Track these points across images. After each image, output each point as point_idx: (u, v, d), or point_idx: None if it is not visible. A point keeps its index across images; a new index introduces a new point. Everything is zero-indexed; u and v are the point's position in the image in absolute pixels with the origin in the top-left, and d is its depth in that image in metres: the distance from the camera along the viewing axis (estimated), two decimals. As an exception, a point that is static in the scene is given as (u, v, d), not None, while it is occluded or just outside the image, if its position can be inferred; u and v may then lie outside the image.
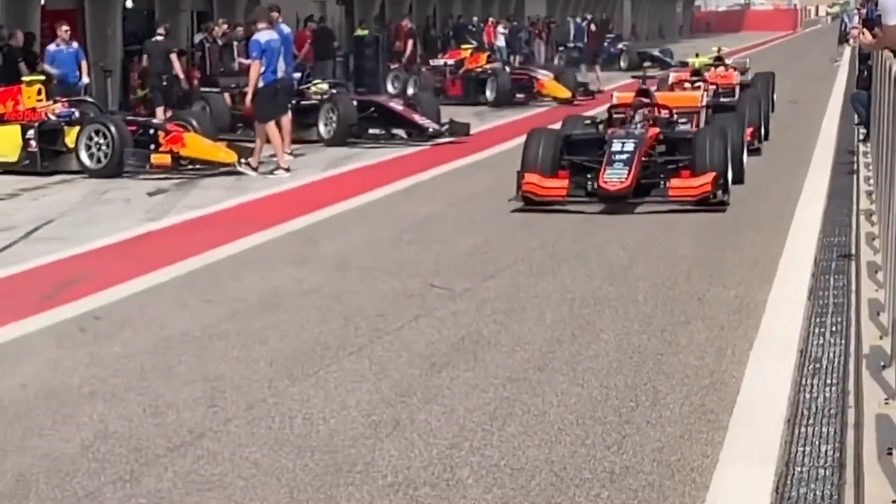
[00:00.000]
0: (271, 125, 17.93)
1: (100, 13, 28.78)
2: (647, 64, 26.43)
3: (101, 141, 17.87)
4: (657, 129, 14.75)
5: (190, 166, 18.00)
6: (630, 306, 9.24)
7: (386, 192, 15.98)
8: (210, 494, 5.62)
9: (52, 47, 22.16)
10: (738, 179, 14.95)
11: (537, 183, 13.81)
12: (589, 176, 13.95)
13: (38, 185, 17.31)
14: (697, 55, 27.07)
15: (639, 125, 14.82)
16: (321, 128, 21.84)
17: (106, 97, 25.65)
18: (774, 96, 24.64)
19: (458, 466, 5.93)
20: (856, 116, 20.14)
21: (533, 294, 9.70)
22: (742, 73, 24.08)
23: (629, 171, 13.62)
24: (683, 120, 15.90)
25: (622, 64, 44.43)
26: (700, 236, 12.15)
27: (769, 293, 9.52)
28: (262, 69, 17.79)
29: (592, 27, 45.27)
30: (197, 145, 18.06)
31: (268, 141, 18.02)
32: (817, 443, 6.16)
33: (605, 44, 45.83)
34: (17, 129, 18.34)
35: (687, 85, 20.02)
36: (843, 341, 8.05)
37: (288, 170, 17.88)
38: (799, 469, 5.80)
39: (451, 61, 32.06)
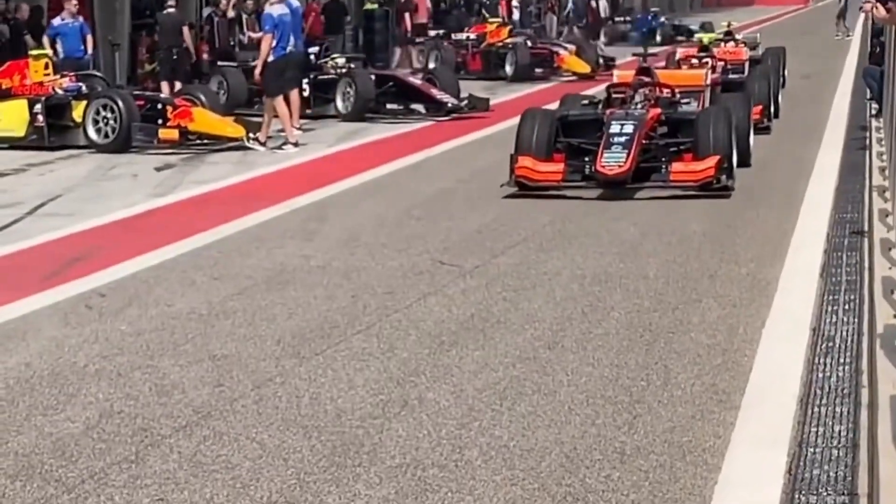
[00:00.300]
0: (279, 100, 17.83)
1: (108, -14, 28.61)
2: (680, 38, 26.12)
3: (109, 116, 17.79)
4: (658, 110, 14.02)
5: (198, 141, 17.94)
6: (641, 283, 9.17)
7: (395, 167, 15.90)
8: (216, 476, 5.55)
9: (56, 21, 22.03)
10: (744, 162, 14.29)
11: (531, 167, 13.20)
12: (586, 159, 13.27)
13: (45, 160, 17.24)
14: (703, 27, 26.76)
15: (639, 105, 14.12)
16: (338, 103, 21.68)
17: (114, 71, 25.53)
18: (785, 72, 24.49)
19: (466, 447, 5.86)
20: (868, 91, 20.05)
21: (543, 271, 9.63)
22: (752, 49, 23.93)
23: (628, 155, 12.91)
24: (687, 100, 15.13)
25: (658, 38, 43.53)
26: (711, 213, 12.06)
27: (781, 270, 9.44)
28: (273, 43, 17.70)
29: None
30: (205, 120, 18.00)
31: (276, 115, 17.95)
32: (830, 423, 6.09)
33: (649, 17, 45.37)
34: (24, 103, 18.26)
35: (694, 61, 19.63)
36: (857, 320, 7.98)
37: (296, 145, 17.80)
38: (812, 450, 5.73)
39: (473, 35, 31.78)
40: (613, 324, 8.07)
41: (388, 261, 10.07)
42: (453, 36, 32.58)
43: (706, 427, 6.09)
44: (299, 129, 18.70)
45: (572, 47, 31.16)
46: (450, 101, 21.68)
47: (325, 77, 21.95)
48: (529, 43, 31.40)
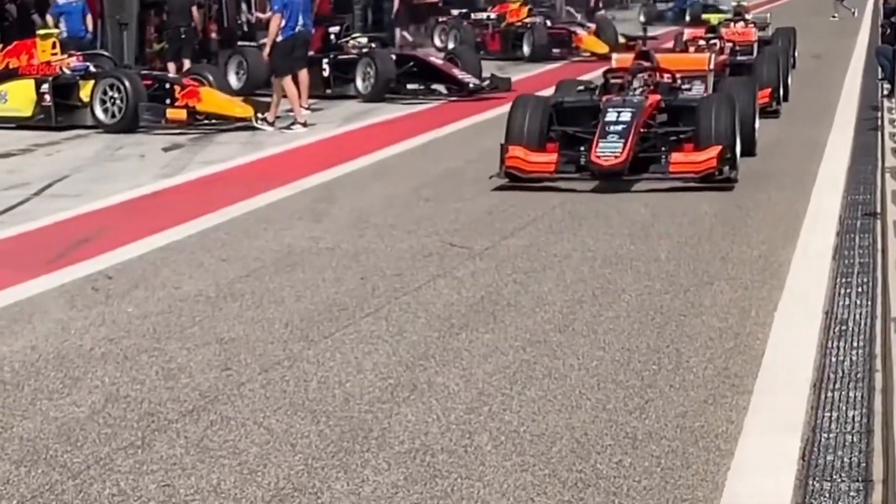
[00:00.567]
0: (288, 79, 17.77)
1: (116, -34, 28.54)
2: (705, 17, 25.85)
3: (116, 95, 17.73)
4: (658, 97, 13.19)
5: (206, 121, 17.88)
6: (652, 265, 9.09)
7: (404, 147, 15.82)
8: (223, 461, 5.49)
9: (61, 0, 21.96)
10: (749, 151, 13.58)
11: (522, 157, 12.45)
12: (581, 149, 12.52)
13: (52, 140, 17.18)
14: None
15: (637, 92, 13.32)
16: (359, 83, 21.51)
17: (121, 51, 25.46)
18: (796, 52, 24.33)
19: (476, 432, 5.80)
20: (880, 71, 19.96)
21: (553, 253, 9.56)
22: (762, 29, 23.77)
23: (625, 145, 12.17)
24: (688, 86, 14.43)
25: (687, 18, 42.76)
26: (722, 194, 11.95)
27: (793, 252, 9.37)
28: (283, 23, 17.62)
29: None
30: (213, 100, 17.93)
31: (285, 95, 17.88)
32: (844, 408, 6.02)
33: None
34: (31, 83, 18.22)
35: (702, 42, 19.13)
36: (870, 302, 7.90)
37: (305, 124, 17.74)
38: (826, 436, 5.66)
39: (493, 15, 31.55)
40: (624, 306, 7.99)
41: (397, 242, 10.00)
42: (473, 16, 32.33)
43: (718, 412, 6.02)
44: (307, 108, 18.63)
45: (591, 26, 30.96)
46: (472, 81, 21.56)
47: (345, 57, 21.81)
48: (549, 23, 31.18)
